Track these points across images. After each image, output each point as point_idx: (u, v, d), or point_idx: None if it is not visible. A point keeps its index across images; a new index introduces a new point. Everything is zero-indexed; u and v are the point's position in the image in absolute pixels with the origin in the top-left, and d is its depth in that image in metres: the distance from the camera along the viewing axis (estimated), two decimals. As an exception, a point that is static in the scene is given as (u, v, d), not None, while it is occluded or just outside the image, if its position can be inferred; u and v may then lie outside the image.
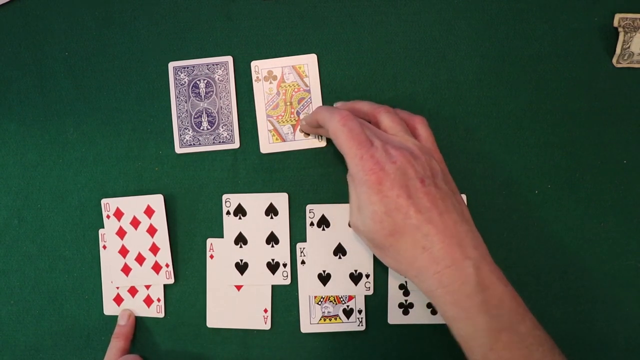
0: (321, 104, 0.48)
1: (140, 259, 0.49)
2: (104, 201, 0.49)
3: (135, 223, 0.49)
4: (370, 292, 0.48)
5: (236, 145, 0.49)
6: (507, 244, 0.48)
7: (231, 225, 0.49)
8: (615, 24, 0.46)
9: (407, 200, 0.37)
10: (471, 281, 0.36)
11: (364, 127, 0.40)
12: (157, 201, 0.48)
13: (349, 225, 0.46)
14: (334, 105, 0.47)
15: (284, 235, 0.49)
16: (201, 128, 0.49)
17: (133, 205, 0.49)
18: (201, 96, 0.49)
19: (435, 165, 0.41)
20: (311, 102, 0.48)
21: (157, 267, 0.49)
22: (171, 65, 0.49)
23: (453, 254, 0.37)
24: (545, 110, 0.48)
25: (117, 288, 0.50)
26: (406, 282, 0.48)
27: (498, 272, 0.38)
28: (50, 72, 0.50)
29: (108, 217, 0.49)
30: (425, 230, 0.37)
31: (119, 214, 0.49)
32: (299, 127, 0.48)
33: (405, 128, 0.42)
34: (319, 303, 0.48)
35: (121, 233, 0.49)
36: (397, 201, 0.37)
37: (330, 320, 0.48)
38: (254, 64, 0.48)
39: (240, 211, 0.49)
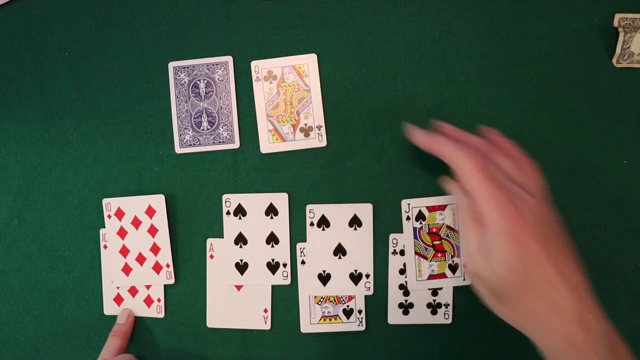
0: (321, 104, 0.48)
1: (140, 259, 0.49)
2: (105, 201, 0.49)
3: (136, 223, 0.49)
4: (370, 292, 0.48)
5: (236, 145, 0.49)
6: (507, 244, 0.48)
7: (231, 225, 0.49)
8: (615, 24, 0.46)
9: (542, 251, 0.36)
10: (599, 338, 0.34)
11: (493, 168, 0.39)
12: (158, 201, 0.48)
13: (465, 270, 0.43)
14: (440, 132, 0.44)
15: (284, 235, 0.49)
16: (201, 128, 0.49)
17: (134, 205, 0.49)
18: (201, 96, 0.49)
19: (553, 213, 0.39)
20: (311, 102, 0.48)
21: (157, 267, 0.49)
22: (171, 65, 0.49)
23: (579, 308, 0.35)
24: (545, 110, 0.48)
25: (118, 288, 0.50)
26: (406, 282, 0.48)
27: (609, 321, 0.36)
28: (50, 72, 0.50)
29: (109, 216, 0.49)
30: (554, 282, 0.36)
31: (120, 214, 0.49)
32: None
33: (521, 173, 0.40)
34: (319, 303, 0.48)
35: (122, 233, 0.49)
36: (535, 252, 0.36)
37: (330, 320, 0.48)
38: (254, 64, 0.48)
39: (240, 211, 0.49)
